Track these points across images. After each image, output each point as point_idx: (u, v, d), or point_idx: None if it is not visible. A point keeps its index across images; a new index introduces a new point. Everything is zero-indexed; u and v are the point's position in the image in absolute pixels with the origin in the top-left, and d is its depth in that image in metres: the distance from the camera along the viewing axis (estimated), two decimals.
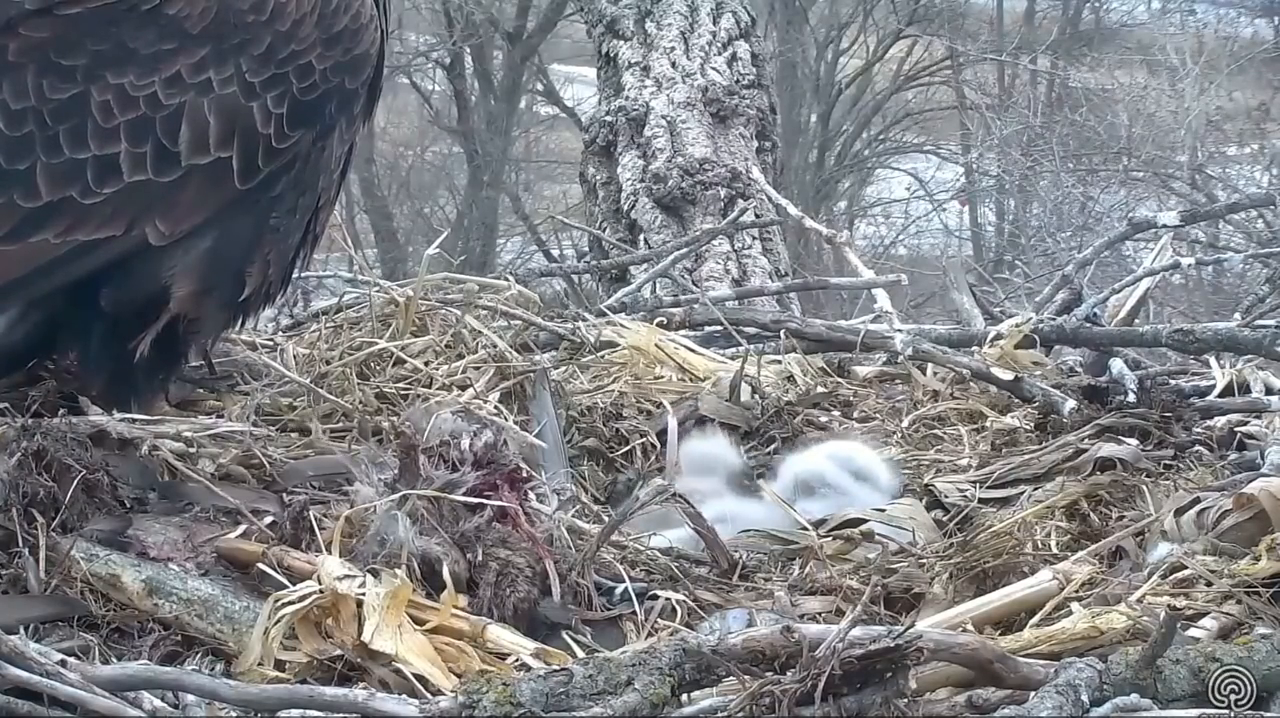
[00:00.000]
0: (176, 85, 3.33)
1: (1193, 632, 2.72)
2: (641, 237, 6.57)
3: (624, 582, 3.03)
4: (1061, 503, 3.41)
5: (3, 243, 3.29)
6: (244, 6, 3.38)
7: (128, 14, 3.34)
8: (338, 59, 3.45)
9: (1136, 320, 4.85)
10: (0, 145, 3.29)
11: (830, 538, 3.37)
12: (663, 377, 4.27)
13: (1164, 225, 5.47)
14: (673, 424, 3.84)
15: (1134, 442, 3.67)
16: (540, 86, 22.31)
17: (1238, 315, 5.04)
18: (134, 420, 3.28)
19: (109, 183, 3.32)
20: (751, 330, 4.75)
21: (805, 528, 3.38)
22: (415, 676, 2.66)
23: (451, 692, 2.52)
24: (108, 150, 3.31)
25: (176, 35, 3.34)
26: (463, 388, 3.85)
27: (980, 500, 3.56)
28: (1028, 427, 3.97)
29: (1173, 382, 4.21)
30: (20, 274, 3.33)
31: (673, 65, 6.97)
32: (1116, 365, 4.28)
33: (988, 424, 4.04)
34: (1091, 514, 3.38)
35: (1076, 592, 2.96)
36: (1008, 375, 4.19)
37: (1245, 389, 4.12)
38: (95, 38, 3.33)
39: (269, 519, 3.05)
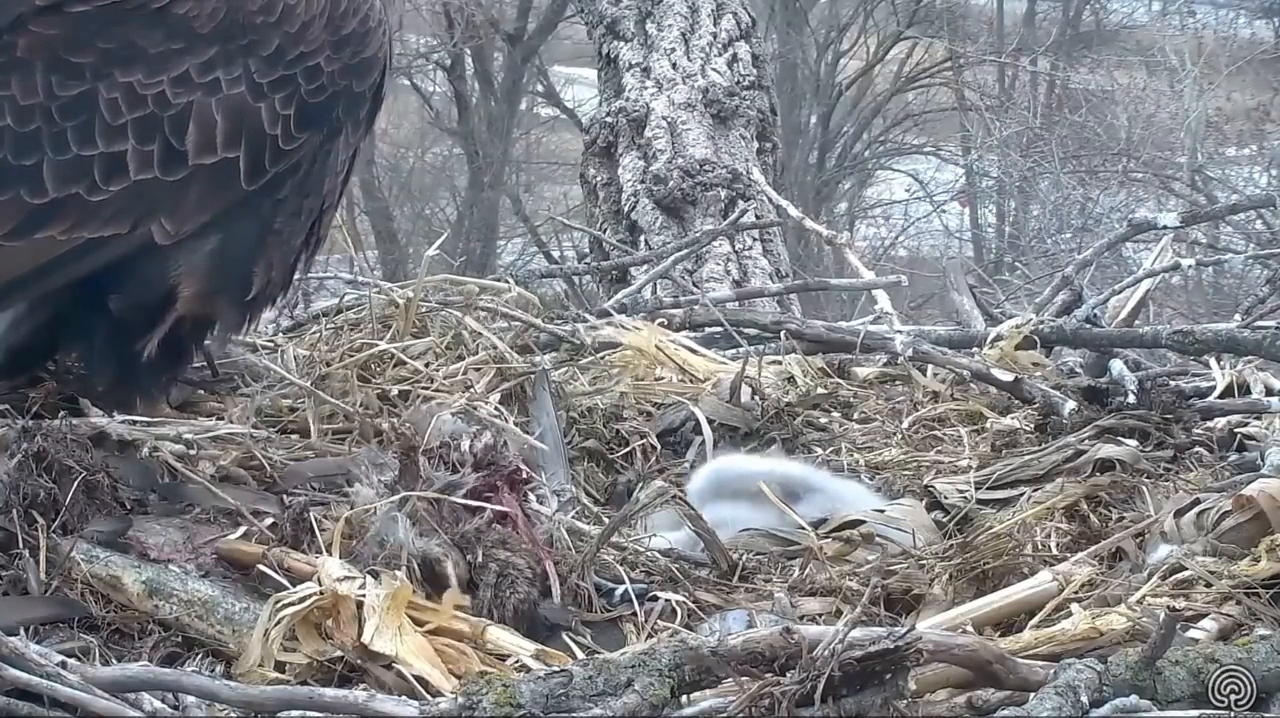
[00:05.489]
0: (184, 85, 3.33)
1: (1192, 633, 2.72)
2: (642, 238, 6.57)
3: (624, 583, 3.03)
4: (1061, 504, 3.41)
5: (8, 239, 3.29)
6: (253, 7, 3.39)
7: (136, 13, 3.34)
8: (346, 62, 3.46)
9: (1137, 321, 4.85)
10: (8, 141, 3.29)
11: (830, 539, 3.37)
12: (663, 378, 4.27)
13: (1164, 227, 5.47)
14: (707, 430, 3.85)
15: (1134, 443, 3.67)
16: (541, 88, 22.33)
17: (1238, 316, 5.04)
18: (134, 422, 3.29)
19: (115, 180, 3.32)
20: (752, 331, 4.75)
21: (805, 529, 3.38)
22: (415, 677, 2.67)
23: (451, 693, 2.52)
24: (115, 148, 3.31)
25: (185, 35, 3.35)
26: (463, 389, 3.85)
27: (980, 502, 3.55)
28: (1028, 428, 3.96)
29: (1173, 383, 4.20)
30: (25, 271, 3.33)
31: (673, 66, 6.97)
32: (1116, 367, 4.27)
33: (988, 425, 4.04)
34: (1091, 515, 3.38)
35: (1076, 593, 2.96)
36: (1008, 377, 4.19)
37: (1245, 390, 4.12)
38: (104, 36, 3.33)
39: (269, 521, 3.06)
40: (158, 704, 2.49)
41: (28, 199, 3.30)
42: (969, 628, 2.83)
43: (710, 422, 3.96)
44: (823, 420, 4.14)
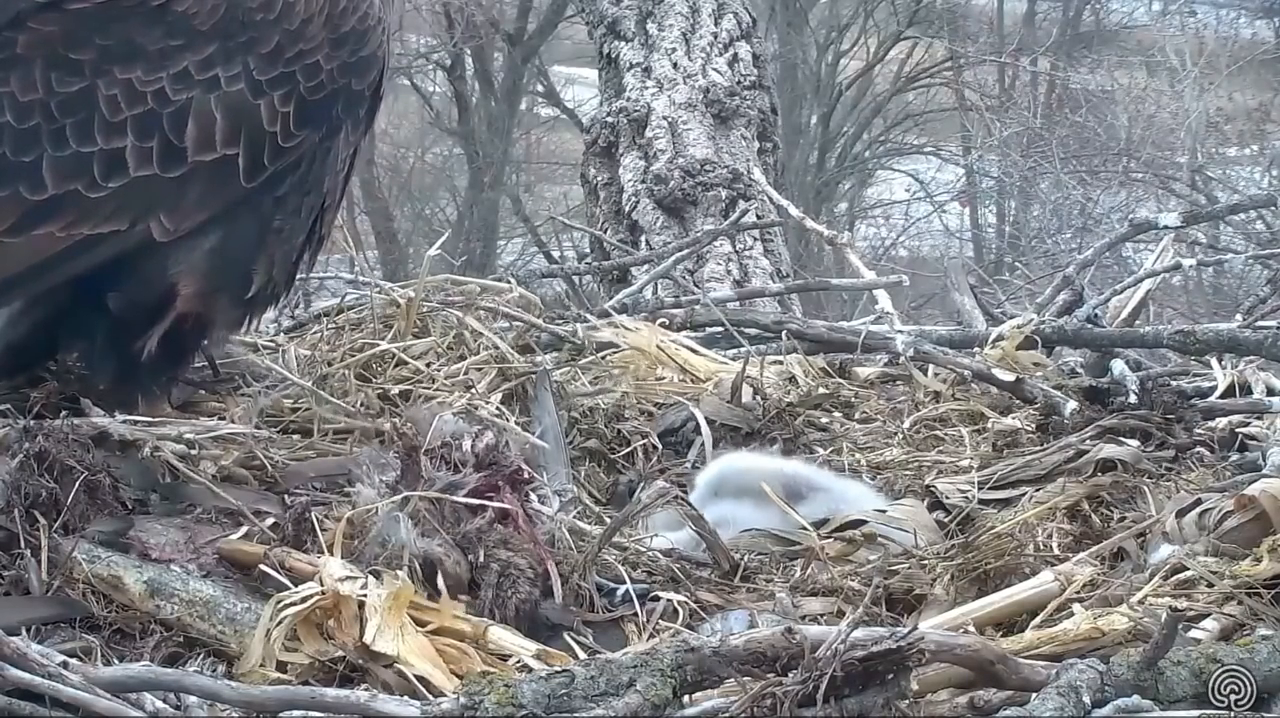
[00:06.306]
0: (184, 82, 3.34)
1: (1194, 633, 2.72)
2: (643, 238, 6.57)
3: (625, 583, 3.03)
4: (1063, 504, 3.40)
5: (7, 235, 3.30)
6: (252, 5, 3.39)
7: (136, 10, 3.35)
8: (345, 60, 3.46)
9: (1137, 322, 4.85)
10: (7, 138, 3.30)
11: (832, 539, 3.37)
12: (664, 378, 4.27)
13: (1165, 227, 5.47)
14: (707, 430, 3.85)
15: (1135, 443, 3.67)
16: (541, 88, 22.32)
17: (1239, 316, 5.04)
18: (136, 422, 3.29)
19: (115, 177, 3.32)
20: (753, 331, 4.75)
21: (806, 529, 3.38)
22: (417, 677, 2.67)
23: (453, 693, 2.52)
24: (114, 145, 3.32)
25: (184, 32, 3.35)
26: (465, 389, 3.85)
27: (981, 502, 3.55)
28: (1029, 428, 3.96)
29: (1174, 383, 4.20)
30: (24, 268, 3.33)
31: (674, 66, 6.98)
32: (1118, 367, 4.27)
33: (989, 425, 4.04)
34: (1093, 515, 3.38)
35: (1078, 593, 2.96)
36: (1009, 377, 4.19)
37: (1246, 390, 4.12)
38: (103, 33, 3.34)
39: (271, 521, 3.06)
40: (159, 705, 2.48)
41: (27, 196, 3.30)
42: (971, 628, 2.83)
43: (711, 422, 3.96)
44: (824, 420, 4.14)
